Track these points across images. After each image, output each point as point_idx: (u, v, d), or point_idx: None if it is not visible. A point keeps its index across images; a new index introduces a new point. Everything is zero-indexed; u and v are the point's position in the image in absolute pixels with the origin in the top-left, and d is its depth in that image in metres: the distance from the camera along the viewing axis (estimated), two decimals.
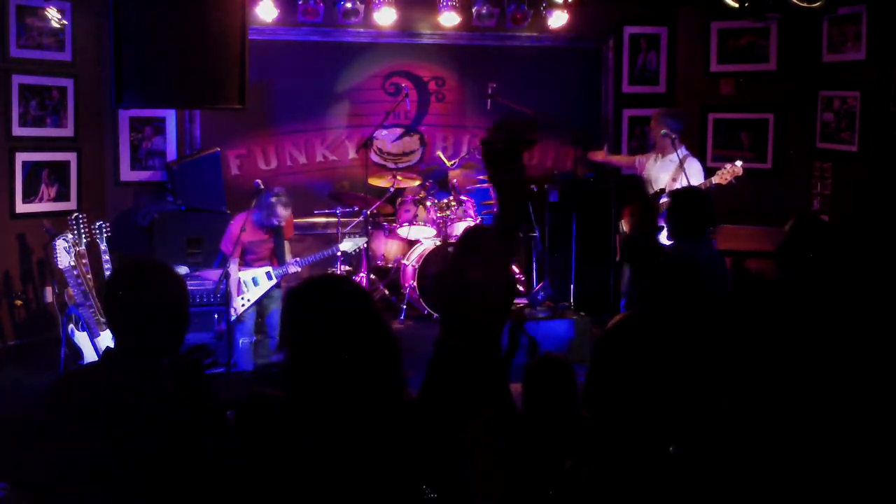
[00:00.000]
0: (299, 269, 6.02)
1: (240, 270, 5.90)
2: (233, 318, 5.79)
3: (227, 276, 5.59)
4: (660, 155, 6.36)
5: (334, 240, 7.08)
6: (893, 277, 5.69)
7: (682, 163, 6.03)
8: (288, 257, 6.01)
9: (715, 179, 5.84)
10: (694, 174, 6.04)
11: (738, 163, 5.88)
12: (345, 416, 2.22)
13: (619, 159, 7.21)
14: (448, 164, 7.47)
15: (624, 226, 6.40)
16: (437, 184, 7.56)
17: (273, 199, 5.75)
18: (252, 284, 5.91)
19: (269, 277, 5.94)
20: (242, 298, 5.86)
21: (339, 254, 6.41)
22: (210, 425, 2.41)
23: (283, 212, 5.80)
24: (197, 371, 2.45)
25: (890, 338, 3.32)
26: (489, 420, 3.35)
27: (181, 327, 2.46)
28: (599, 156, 7.15)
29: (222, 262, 6.04)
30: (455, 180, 7.51)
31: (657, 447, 2.94)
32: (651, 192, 6.30)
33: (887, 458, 2.98)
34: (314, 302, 2.31)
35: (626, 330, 3.36)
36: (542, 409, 3.15)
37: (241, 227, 5.76)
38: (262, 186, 5.95)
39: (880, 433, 3.03)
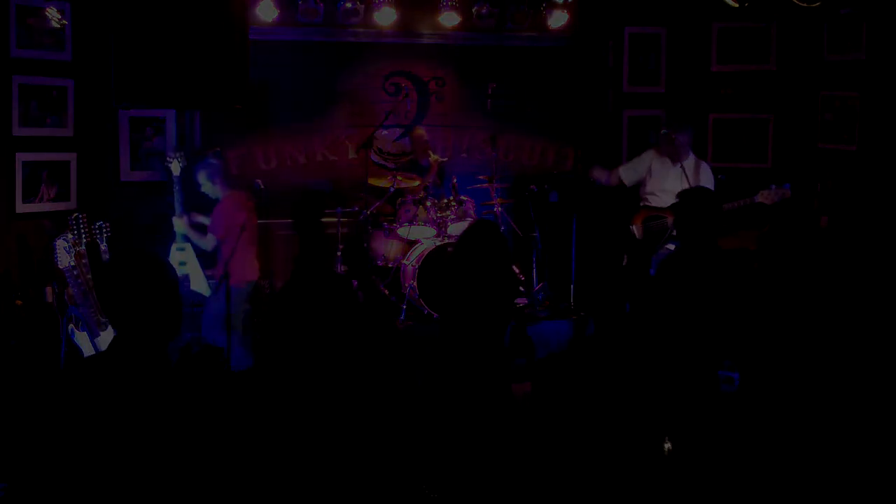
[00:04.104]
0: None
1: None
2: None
3: (227, 276, 5.59)
4: (667, 159, 6.31)
5: (335, 239, 7.10)
6: (891, 278, 5.69)
7: (696, 169, 6.02)
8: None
9: (759, 199, 5.66)
10: (706, 182, 6.01)
11: (787, 186, 5.67)
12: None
13: (612, 178, 6.75)
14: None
15: (636, 231, 6.37)
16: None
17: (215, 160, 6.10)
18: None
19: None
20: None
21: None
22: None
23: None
24: (211, 367, 2.55)
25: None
26: None
27: (175, 312, 2.56)
28: (603, 176, 6.80)
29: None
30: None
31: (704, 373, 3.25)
32: (665, 202, 6.17)
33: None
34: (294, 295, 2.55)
35: (671, 266, 4.07)
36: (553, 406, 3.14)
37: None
38: (262, 187, 5.95)
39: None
